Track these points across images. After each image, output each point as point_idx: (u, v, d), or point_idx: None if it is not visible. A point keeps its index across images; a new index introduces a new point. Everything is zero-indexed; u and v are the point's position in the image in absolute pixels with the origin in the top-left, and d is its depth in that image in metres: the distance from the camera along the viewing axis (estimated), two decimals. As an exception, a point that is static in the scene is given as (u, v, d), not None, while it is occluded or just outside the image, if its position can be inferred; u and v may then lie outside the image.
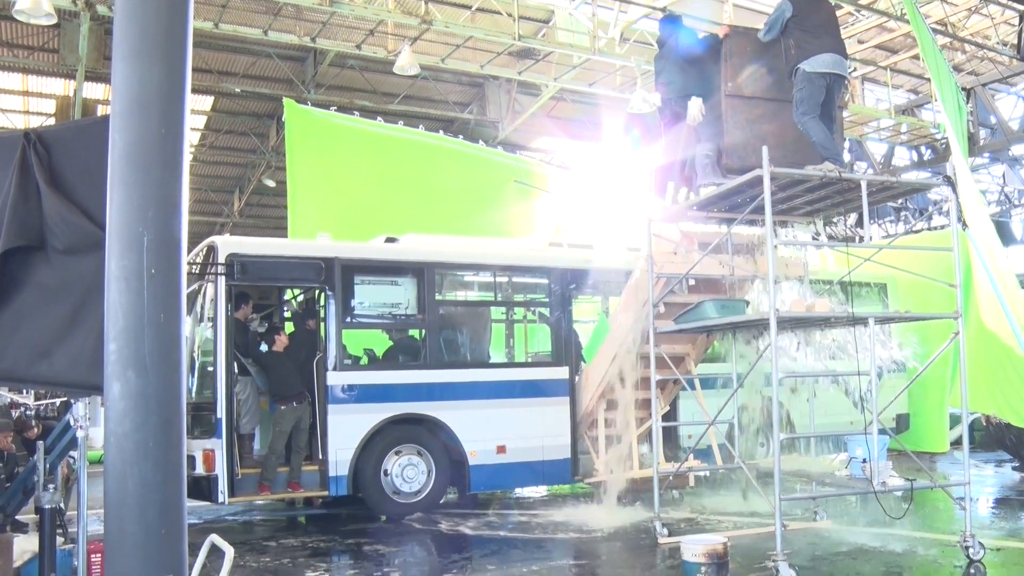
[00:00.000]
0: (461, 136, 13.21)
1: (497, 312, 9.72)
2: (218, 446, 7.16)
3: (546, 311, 9.28)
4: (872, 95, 14.91)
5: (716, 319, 6.57)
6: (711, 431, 7.61)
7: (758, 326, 6.60)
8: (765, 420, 7.51)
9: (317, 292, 8.27)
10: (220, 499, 7.19)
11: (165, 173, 2.76)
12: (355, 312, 8.23)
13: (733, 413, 7.41)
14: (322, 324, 8.16)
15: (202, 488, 7.17)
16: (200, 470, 7.13)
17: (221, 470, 7.14)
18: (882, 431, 6.08)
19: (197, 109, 15.02)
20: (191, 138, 15.05)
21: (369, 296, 8.34)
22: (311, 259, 7.95)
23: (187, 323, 7.33)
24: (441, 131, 13.04)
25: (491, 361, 9.40)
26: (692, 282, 7.29)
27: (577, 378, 8.90)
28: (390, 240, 8.89)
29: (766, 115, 6.58)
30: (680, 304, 7.28)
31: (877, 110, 14.38)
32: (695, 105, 6.70)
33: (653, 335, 7.13)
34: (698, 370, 8.56)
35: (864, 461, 6.02)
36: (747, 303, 7.21)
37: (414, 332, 8.84)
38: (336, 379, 7.83)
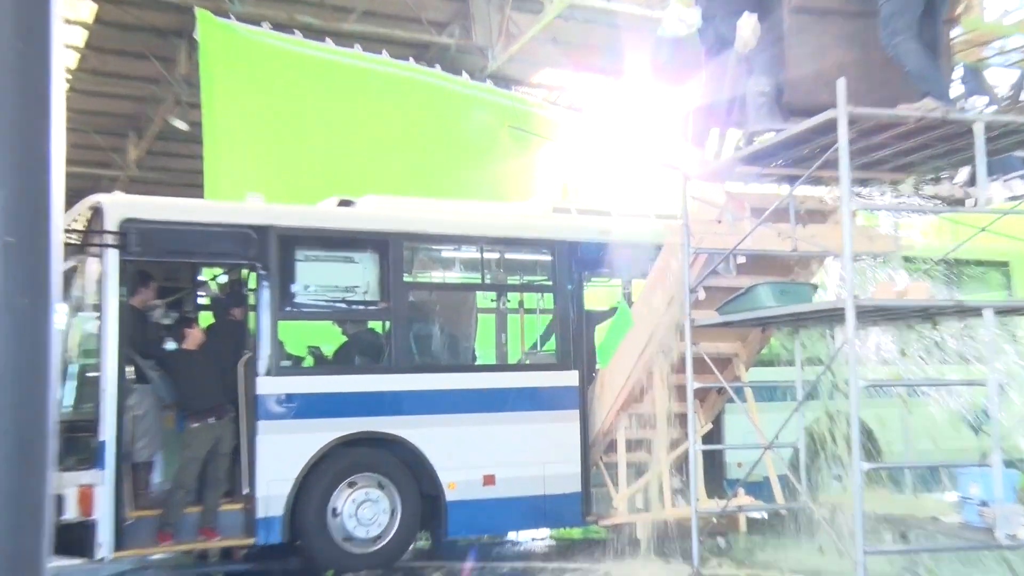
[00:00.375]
0: (438, 66, 13.22)
1: (485, 299, 9.73)
2: (100, 480, 7.04)
3: (550, 298, 9.30)
4: (998, 4, 14.40)
5: (774, 308, 6.59)
6: (768, 457, 7.64)
7: (830, 319, 6.61)
8: (841, 443, 7.59)
9: (245, 271, 8.23)
10: (101, 554, 7.05)
11: (25, 105, 2.64)
12: (296, 298, 8.21)
13: (798, 434, 7.42)
14: (251, 314, 8.10)
15: (76, 539, 7.02)
16: (73, 514, 7.00)
17: (104, 513, 7.02)
18: (1008, 463, 6.00)
19: (73, 19, 14.68)
20: (65, 60, 14.79)
21: (315, 277, 8.34)
22: (237, 227, 7.89)
23: (62, 311, 7.39)
24: (412, 59, 13.00)
25: (477, 363, 9.47)
26: (742, 260, 7.33)
27: (590, 386, 8.93)
28: (344, 203, 8.91)
29: (843, 36, 6.58)
30: (726, 289, 7.30)
31: (1003, 25, 13.98)
32: (747, 25, 6.65)
33: (690, 329, 7.18)
34: (750, 376, 8.62)
35: (983, 504, 5.90)
36: (815, 288, 7.31)
37: (375, 325, 8.84)
38: (269, 386, 7.77)
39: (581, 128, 13.39)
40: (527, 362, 9.73)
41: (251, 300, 8.09)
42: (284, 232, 7.98)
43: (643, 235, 9.03)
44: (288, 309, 8.10)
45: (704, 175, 7.41)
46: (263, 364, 7.78)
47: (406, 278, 8.63)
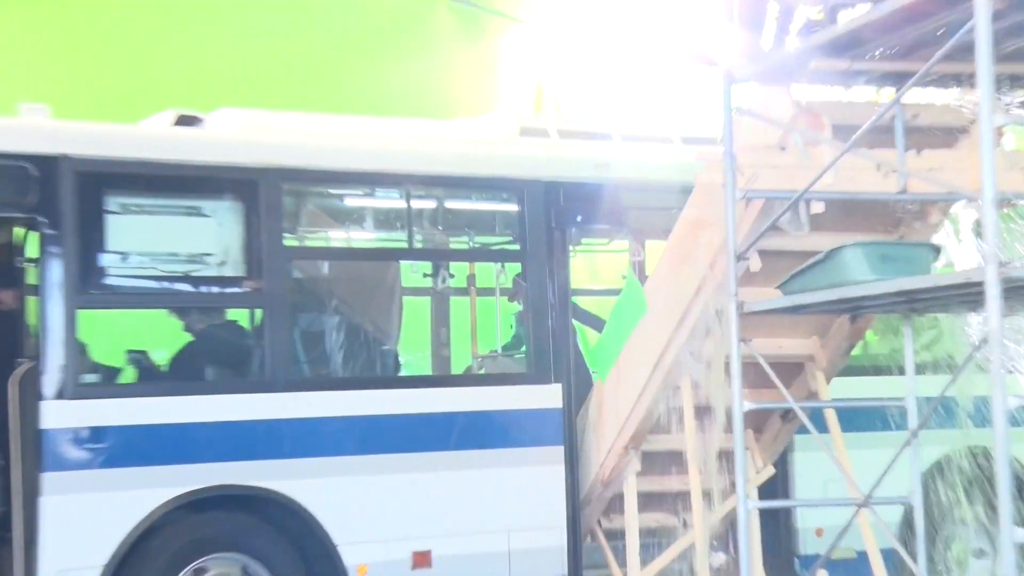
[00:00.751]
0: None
1: (415, 273, 9.99)
2: None
3: (516, 270, 9.54)
4: None
5: (870, 283, 6.45)
6: (864, 520, 7.60)
7: (963, 299, 6.48)
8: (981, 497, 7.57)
9: (19, 231, 8.23)
10: None
11: None
12: (107, 273, 8.20)
13: (912, 484, 7.33)
14: (30, 299, 8.08)
15: None
16: None
17: None
18: None
19: None
20: None
21: (138, 239, 8.39)
22: (5, 159, 7.72)
23: None
24: None
25: (402, 376, 9.67)
26: (819, 207, 7.26)
27: (582, 408, 9.07)
28: (185, 121, 8.91)
29: None
30: (794, 254, 7.36)
31: None
32: None
33: (737, 318, 7.06)
34: (833, 391, 8.67)
35: None
36: (937, 250, 7.16)
37: (238, 316, 8.98)
38: (62, 416, 7.64)
39: (564, 2, 13.22)
40: (481, 372, 10.03)
41: (30, 277, 8.03)
42: (85, 167, 7.87)
43: (663, 171, 9.09)
44: (93, 292, 8.06)
45: (759, 74, 7.35)
46: (51, 381, 7.62)
47: (288, 241, 8.77)
